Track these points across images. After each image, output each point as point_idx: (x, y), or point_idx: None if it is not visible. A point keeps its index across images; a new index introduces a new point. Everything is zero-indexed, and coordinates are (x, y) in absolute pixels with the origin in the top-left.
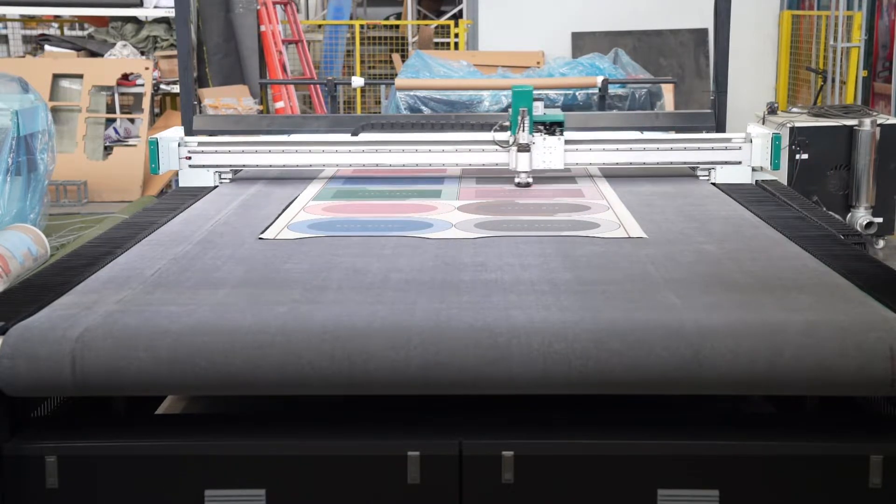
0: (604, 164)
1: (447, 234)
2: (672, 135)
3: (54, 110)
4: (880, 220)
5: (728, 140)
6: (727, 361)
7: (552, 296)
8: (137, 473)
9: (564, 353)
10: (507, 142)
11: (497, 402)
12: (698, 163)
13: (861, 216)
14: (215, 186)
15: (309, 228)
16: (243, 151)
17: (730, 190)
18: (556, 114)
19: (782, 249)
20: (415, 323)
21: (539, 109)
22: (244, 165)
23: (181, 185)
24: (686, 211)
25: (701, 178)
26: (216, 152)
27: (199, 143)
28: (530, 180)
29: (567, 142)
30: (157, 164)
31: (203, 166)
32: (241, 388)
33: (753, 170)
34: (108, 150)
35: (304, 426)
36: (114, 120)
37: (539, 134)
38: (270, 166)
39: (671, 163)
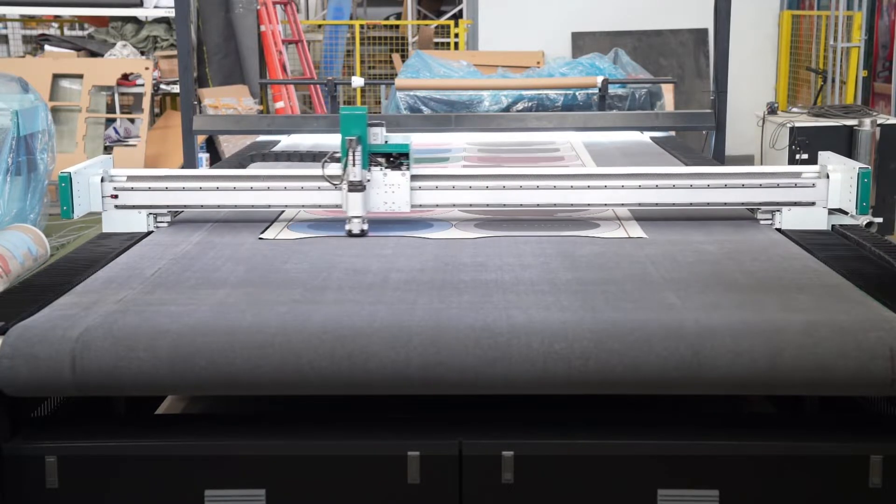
0: (639, 204)
1: (447, 234)
2: (724, 168)
3: (54, 110)
4: (880, 220)
5: (797, 175)
6: (727, 361)
7: (552, 296)
8: (137, 473)
9: (564, 353)
10: (339, 177)
11: (497, 402)
12: (759, 204)
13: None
14: (149, 232)
15: (309, 228)
16: (184, 188)
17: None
18: (399, 142)
19: (782, 249)
20: (415, 323)
21: (378, 137)
22: (185, 206)
23: (105, 230)
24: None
25: (762, 222)
26: (150, 189)
27: (129, 178)
28: (365, 227)
29: (589, 176)
30: (71, 205)
31: (133, 207)
32: (241, 388)
33: (830, 212)
34: (108, 150)
35: (304, 426)
36: (114, 120)
37: (378, 168)
38: (218, 207)
39: (724, 203)
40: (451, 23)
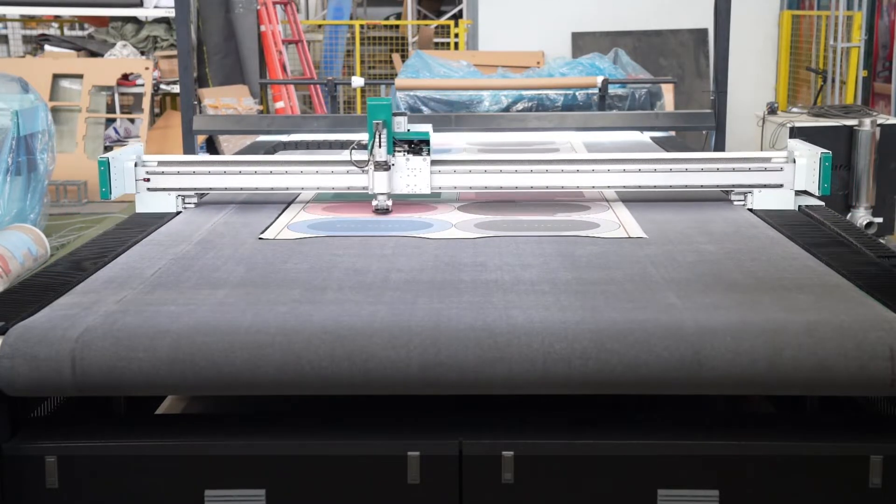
0: (623, 187)
1: (447, 234)
2: (701, 154)
3: (54, 110)
4: (880, 220)
5: (767, 160)
6: (727, 361)
7: (552, 296)
8: (137, 473)
9: (564, 353)
10: (365, 161)
11: (497, 402)
12: (732, 186)
13: (861, 216)
14: (178, 212)
15: (309, 228)
16: (209, 172)
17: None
18: (421, 130)
19: (782, 249)
20: (415, 323)
21: (401, 125)
22: (211, 188)
23: (137, 210)
24: (686, 211)
25: (735, 203)
26: (178, 173)
27: (160, 163)
28: (389, 203)
29: (578, 161)
30: (109, 187)
31: (164, 189)
32: (241, 388)
33: (797, 193)
34: (108, 150)
35: (304, 426)
36: (114, 120)
37: (401, 153)
38: (241, 189)
39: (701, 186)
40: (451, 23)
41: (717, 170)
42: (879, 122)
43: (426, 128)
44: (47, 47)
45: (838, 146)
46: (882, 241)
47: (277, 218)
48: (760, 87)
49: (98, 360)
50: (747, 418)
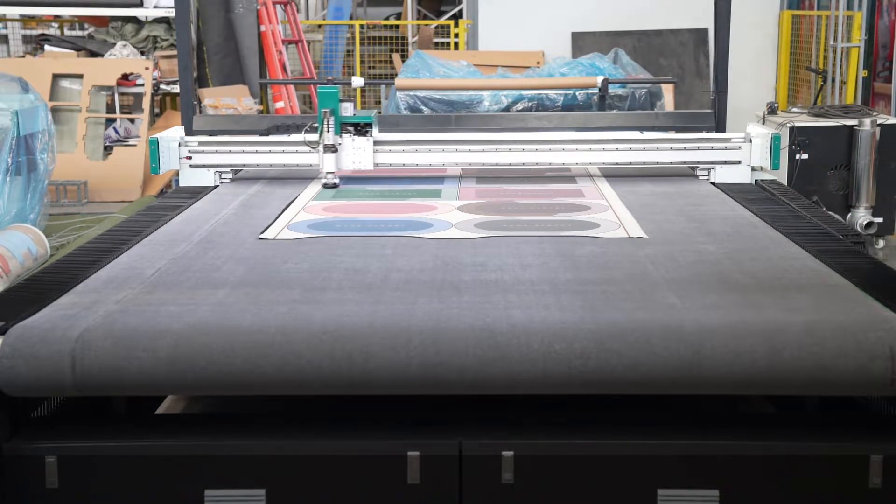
0: (603, 163)
1: (447, 234)
2: (671, 134)
3: (54, 110)
4: (880, 220)
5: (727, 140)
6: (727, 361)
7: (552, 296)
8: (137, 473)
9: (564, 353)
10: (316, 142)
11: (497, 402)
12: (698, 162)
13: (861, 216)
14: (215, 186)
15: (309, 228)
16: (243, 151)
17: (729, 189)
18: (365, 114)
19: (782, 249)
20: (415, 323)
21: (348, 110)
22: (244, 165)
23: (181, 184)
24: (686, 211)
25: (700, 177)
26: (216, 152)
27: (200, 143)
28: (337, 181)
29: (563, 141)
30: (158, 163)
31: (203, 166)
32: (241, 388)
33: (753, 169)
34: (108, 150)
35: (304, 426)
36: (114, 120)
37: (348, 135)
38: (270, 166)
39: (671, 163)
40: (451, 23)
41: (685, 148)
42: (879, 122)
43: (370, 113)
44: (47, 47)
45: (838, 146)
46: (882, 240)
47: (278, 217)
48: (760, 87)
49: (98, 360)
50: (747, 418)
